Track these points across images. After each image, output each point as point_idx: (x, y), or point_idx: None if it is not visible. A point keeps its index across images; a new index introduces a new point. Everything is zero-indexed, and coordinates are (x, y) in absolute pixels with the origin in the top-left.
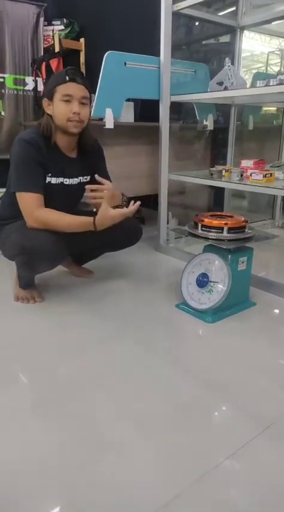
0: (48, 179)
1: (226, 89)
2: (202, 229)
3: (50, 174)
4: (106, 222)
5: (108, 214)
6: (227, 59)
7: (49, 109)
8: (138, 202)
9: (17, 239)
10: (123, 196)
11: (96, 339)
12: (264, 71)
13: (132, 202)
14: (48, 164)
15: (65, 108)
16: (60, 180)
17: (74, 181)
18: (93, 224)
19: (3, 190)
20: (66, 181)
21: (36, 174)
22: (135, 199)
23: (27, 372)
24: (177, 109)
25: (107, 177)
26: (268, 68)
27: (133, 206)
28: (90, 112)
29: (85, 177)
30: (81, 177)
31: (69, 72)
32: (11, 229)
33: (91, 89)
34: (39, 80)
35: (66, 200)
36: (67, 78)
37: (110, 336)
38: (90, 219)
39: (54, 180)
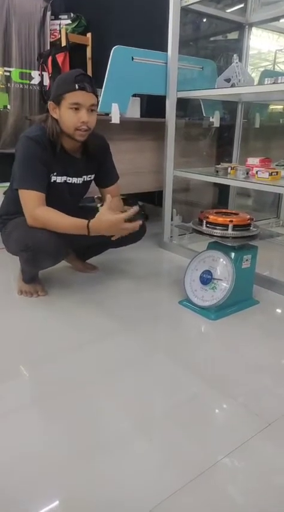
0: (53, 178)
1: (233, 85)
2: (207, 226)
3: (55, 173)
4: (102, 226)
5: (104, 218)
6: (235, 56)
7: (55, 113)
8: (136, 207)
9: (20, 236)
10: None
11: (98, 334)
12: (272, 69)
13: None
14: (52, 163)
15: (73, 116)
16: (64, 179)
17: (78, 180)
18: (86, 228)
19: (8, 184)
20: (69, 180)
21: (40, 172)
22: (139, 195)
23: (27, 366)
24: (183, 105)
25: (113, 173)
26: (276, 66)
27: (134, 224)
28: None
29: (90, 175)
30: (85, 176)
31: (78, 79)
32: (13, 225)
33: (98, 84)
34: (45, 74)
35: (70, 198)
36: (76, 86)
37: (112, 331)
38: (84, 222)
39: (59, 179)
